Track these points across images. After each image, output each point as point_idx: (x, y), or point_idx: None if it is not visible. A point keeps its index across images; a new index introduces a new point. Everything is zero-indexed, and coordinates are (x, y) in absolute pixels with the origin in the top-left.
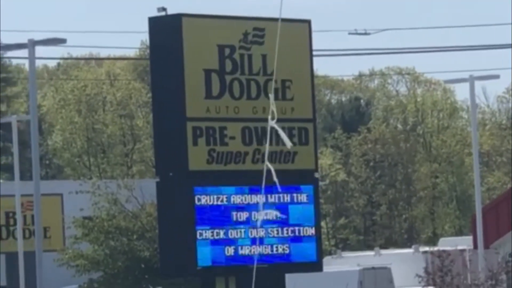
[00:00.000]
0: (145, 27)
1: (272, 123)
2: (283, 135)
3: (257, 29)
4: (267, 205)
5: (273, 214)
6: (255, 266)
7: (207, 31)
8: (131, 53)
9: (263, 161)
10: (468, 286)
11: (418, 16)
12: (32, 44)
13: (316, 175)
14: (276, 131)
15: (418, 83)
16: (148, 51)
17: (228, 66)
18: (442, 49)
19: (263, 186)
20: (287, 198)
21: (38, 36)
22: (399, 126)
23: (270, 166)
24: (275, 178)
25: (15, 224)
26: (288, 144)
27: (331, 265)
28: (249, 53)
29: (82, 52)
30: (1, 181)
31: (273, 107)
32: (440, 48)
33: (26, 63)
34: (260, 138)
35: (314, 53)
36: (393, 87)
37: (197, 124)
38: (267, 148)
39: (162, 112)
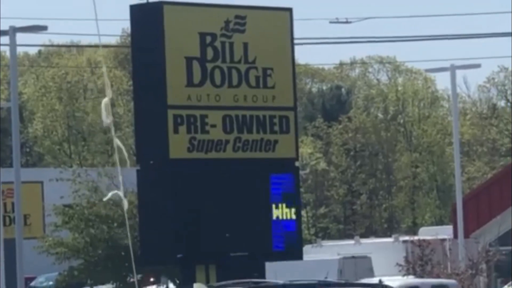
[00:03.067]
0: (127, 14)
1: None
2: (104, 111)
3: (238, 17)
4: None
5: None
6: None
7: (189, 19)
8: (112, 40)
9: (244, 150)
10: (448, 275)
11: (400, 5)
12: (13, 31)
13: (297, 163)
14: (257, 118)
15: (399, 72)
16: (129, 39)
17: (210, 54)
18: (423, 38)
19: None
20: (267, 187)
21: (19, 23)
22: (380, 115)
23: None
24: None
25: None
26: (106, 121)
27: (311, 253)
28: (230, 41)
29: (63, 39)
30: None
31: (106, 79)
32: (421, 37)
33: (7, 50)
34: (241, 126)
35: (295, 41)
36: (374, 76)
37: (178, 112)
38: None
39: (143, 100)
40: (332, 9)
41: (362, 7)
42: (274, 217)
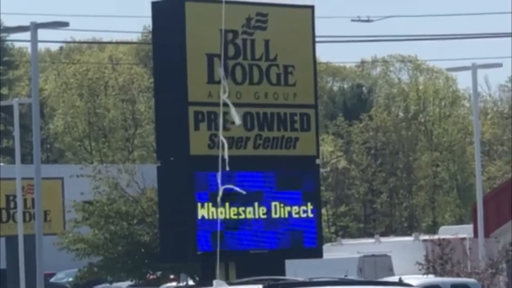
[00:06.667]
0: (148, 11)
1: (224, 97)
2: (233, 112)
3: (260, 14)
4: (270, 192)
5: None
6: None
7: (210, 16)
8: (134, 37)
9: (264, 147)
10: (468, 274)
11: (421, 4)
12: (34, 27)
13: (317, 161)
14: (278, 116)
15: (420, 71)
16: (150, 35)
17: (231, 51)
18: (445, 37)
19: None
20: (288, 184)
21: (40, 19)
22: (401, 114)
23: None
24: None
25: (15, 207)
26: (237, 121)
27: (331, 252)
28: (251, 38)
29: (85, 36)
30: (2, 164)
31: (224, 81)
32: (442, 36)
33: (28, 47)
34: (262, 123)
35: (316, 39)
36: (395, 75)
37: (199, 108)
38: (220, 129)
39: (164, 97)
40: (353, 8)
41: (384, 6)
42: (294, 215)
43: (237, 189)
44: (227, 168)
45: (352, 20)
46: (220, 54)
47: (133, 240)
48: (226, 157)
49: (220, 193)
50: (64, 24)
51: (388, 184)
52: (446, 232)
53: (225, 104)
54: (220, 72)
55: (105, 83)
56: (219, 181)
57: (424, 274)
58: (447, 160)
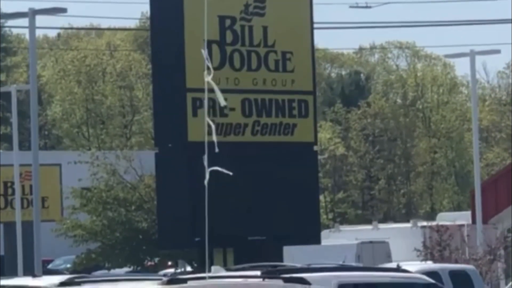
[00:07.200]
0: None
1: (208, 78)
2: (218, 93)
3: (258, 1)
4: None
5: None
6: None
7: (208, 2)
8: (132, 24)
9: (262, 133)
10: (466, 260)
11: None
12: (32, 14)
13: (315, 148)
14: (276, 102)
15: (418, 57)
16: (148, 22)
17: (229, 37)
18: (443, 23)
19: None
20: (285, 170)
21: (38, 5)
22: (399, 100)
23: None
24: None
25: (13, 193)
26: (222, 102)
27: (329, 238)
28: (250, 25)
29: (83, 22)
30: (0, 150)
31: (208, 62)
32: (440, 23)
33: (26, 33)
34: (260, 110)
35: (314, 25)
36: (393, 62)
37: (197, 95)
38: (205, 108)
39: (162, 83)
40: None
41: None
42: (292, 201)
43: (224, 170)
44: (216, 150)
45: (350, 7)
46: (218, 40)
47: (131, 227)
48: (214, 139)
49: (207, 176)
50: (62, 10)
51: (386, 170)
52: (444, 219)
53: (226, 91)
54: (203, 54)
55: (103, 70)
56: (205, 163)
57: (422, 260)
58: (445, 147)
